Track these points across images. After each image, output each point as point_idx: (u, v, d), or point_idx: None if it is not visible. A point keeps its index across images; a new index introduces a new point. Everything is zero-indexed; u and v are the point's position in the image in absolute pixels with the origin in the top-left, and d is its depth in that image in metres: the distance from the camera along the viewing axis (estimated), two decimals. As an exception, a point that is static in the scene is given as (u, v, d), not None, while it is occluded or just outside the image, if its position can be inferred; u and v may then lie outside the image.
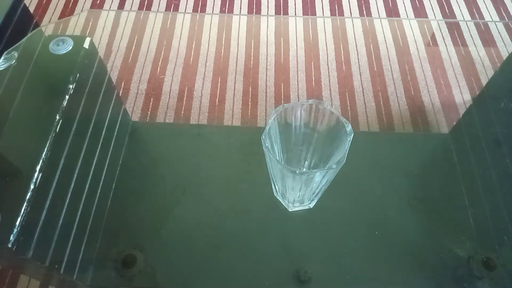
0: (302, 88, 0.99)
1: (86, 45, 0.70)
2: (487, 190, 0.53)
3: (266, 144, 0.47)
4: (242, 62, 1.00)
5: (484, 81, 0.65)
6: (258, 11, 1.43)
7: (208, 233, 0.50)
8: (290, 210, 0.56)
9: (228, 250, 0.47)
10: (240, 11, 1.39)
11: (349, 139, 0.49)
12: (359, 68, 1.00)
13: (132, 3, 1.43)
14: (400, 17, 1.37)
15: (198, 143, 0.65)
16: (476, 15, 1.39)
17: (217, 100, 0.94)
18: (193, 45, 0.63)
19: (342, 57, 1.03)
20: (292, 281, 0.51)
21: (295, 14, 1.38)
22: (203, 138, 0.67)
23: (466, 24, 0.75)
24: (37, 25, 1.26)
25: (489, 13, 1.39)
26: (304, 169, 0.54)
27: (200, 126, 0.86)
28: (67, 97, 0.62)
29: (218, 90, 0.96)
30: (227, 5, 1.41)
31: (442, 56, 0.67)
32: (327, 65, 1.01)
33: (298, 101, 0.82)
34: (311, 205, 0.56)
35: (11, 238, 0.49)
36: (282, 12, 1.39)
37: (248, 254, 0.53)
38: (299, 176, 0.48)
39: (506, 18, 1.38)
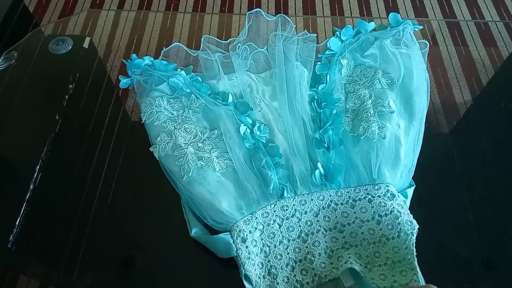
0: (302, 88, 0.98)
1: (85, 44, 0.70)
2: (487, 190, 0.53)
3: None
4: (242, 62, 1.00)
5: (484, 81, 0.65)
6: (258, 11, 1.42)
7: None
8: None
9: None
10: (240, 11, 1.39)
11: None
12: (359, 67, 1.00)
13: (132, 2, 1.43)
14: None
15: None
16: (477, 15, 1.39)
17: (217, 100, 0.94)
18: (193, 45, 0.63)
19: (342, 57, 1.03)
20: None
21: (295, 14, 1.38)
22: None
23: (467, 23, 0.75)
24: (36, 24, 1.26)
25: (490, 13, 1.39)
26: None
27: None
28: (66, 97, 0.62)
29: (218, 90, 0.95)
30: (227, 5, 1.41)
31: (442, 56, 0.67)
32: (327, 64, 1.01)
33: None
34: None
35: (11, 238, 0.49)
36: (282, 11, 1.38)
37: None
38: None
39: (506, 18, 1.38)
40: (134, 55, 0.56)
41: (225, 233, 0.45)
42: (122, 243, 0.49)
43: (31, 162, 0.55)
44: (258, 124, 0.51)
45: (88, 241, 0.48)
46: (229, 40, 0.61)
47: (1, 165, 0.58)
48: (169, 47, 0.59)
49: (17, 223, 0.50)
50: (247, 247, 0.43)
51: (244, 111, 0.52)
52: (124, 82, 0.56)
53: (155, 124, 0.52)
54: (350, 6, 1.40)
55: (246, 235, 0.44)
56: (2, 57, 0.66)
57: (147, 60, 0.56)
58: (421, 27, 0.60)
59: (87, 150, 0.56)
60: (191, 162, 0.47)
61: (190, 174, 0.47)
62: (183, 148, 0.49)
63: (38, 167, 0.54)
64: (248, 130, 0.50)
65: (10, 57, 0.66)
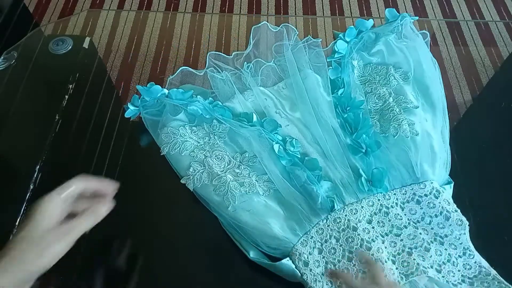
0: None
1: (85, 45, 0.70)
2: (487, 190, 0.53)
3: None
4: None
5: (484, 81, 0.65)
6: (258, 11, 1.42)
7: (209, 233, 0.50)
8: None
9: (229, 251, 0.47)
10: (240, 11, 1.39)
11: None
12: (359, 67, 1.00)
13: (132, 2, 1.43)
14: (400, 16, 1.37)
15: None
16: (477, 15, 1.39)
17: (217, 100, 0.94)
18: (193, 45, 0.63)
19: (342, 57, 1.03)
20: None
21: (295, 14, 1.38)
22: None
23: (467, 23, 0.75)
24: (36, 25, 1.26)
25: (490, 13, 1.39)
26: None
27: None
28: (66, 97, 0.62)
29: (218, 90, 0.95)
30: (227, 5, 1.41)
31: (442, 56, 0.67)
32: (327, 64, 1.01)
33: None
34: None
35: (11, 238, 0.48)
36: (282, 11, 1.38)
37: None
38: None
39: (506, 18, 1.38)
40: (152, 83, 0.54)
41: (286, 259, 0.43)
42: (123, 243, 0.49)
43: (31, 162, 0.55)
44: (289, 140, 0.50)
45: (88, 241, 0.48)
46: (233, 54, 0.60)
47: (1, 165, 0.58)
48: (175, 74, 0.59)
49: (17, 223, 0.50)
50: (310, 270, 0.42)
51: (274, 129, 0.51)
52: (130, 110, 0.54)
53: (182, 154, 0.50)
54: (350, 6, 1.40)
55: (307, 257, 0.43)
56: (2, 57, 0.66)
57: (161, 92, 0.54)
58: (417, 17, 0.61)
59: (87, 150, 0.56)
60: (234, 190, 0.46)
61: (235, 203, 0.45)
62: (221, 176, 0.47)
63: (38, 167, 0.54)
64: (282, 148, 0.49)
65: (10, 57, 0.66)
